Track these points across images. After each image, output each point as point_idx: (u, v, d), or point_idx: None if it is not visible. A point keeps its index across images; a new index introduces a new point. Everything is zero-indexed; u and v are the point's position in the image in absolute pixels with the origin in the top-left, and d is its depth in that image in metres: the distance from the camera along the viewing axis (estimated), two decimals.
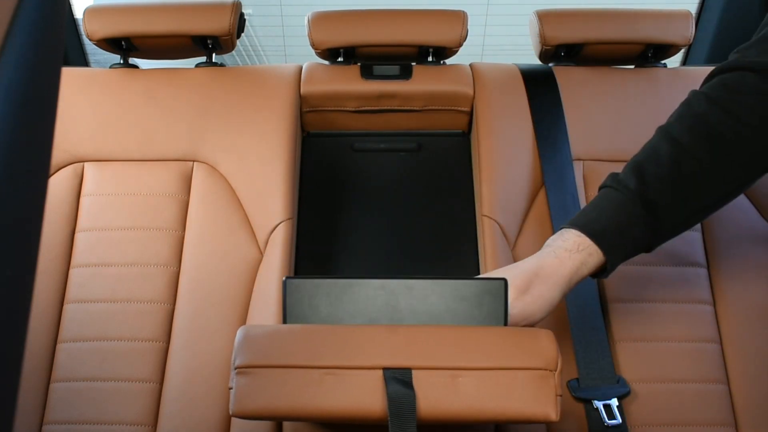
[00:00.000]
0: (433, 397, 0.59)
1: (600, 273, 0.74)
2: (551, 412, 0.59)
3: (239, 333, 0.61)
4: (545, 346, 0.61)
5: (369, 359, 0.59)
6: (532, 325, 0.71)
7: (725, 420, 0.84)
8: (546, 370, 0.60)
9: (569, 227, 0.73)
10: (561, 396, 0.60)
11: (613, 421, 0.81)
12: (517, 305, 0.69)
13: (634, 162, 0.75)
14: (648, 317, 0.89)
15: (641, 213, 0.72)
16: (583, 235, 0.72)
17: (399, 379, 0.59)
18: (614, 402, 0.82)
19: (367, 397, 0.58)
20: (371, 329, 0.62)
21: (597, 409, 0.82)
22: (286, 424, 0.81)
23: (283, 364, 0.59)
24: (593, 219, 0.73)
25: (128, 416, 0.85)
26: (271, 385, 0.59)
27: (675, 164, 0.73)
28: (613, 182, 0.75)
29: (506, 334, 0.62)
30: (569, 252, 0.71)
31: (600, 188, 0.77)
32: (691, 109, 0.76)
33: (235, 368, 0.59)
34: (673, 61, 1.12)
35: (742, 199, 0.96)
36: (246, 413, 0.59)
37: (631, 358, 0.87)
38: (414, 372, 0.59)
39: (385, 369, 0.59)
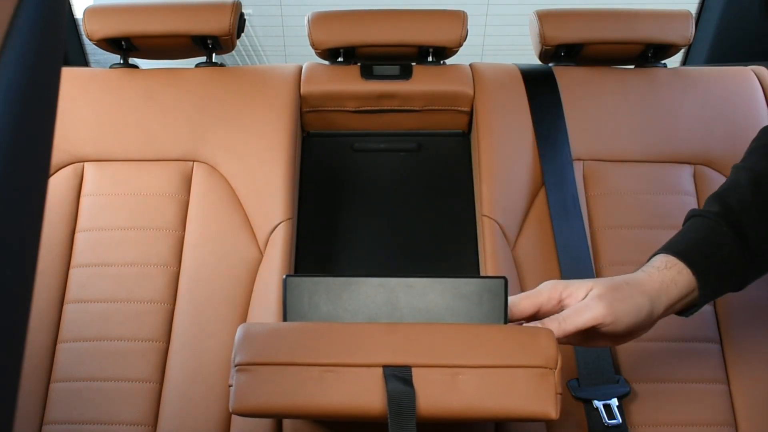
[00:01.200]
0: (433, 395, 0.58)
1: (694, 305, 0.69)
2: (551, 410, 0.59)
3: (239, 330, 0.61)
4: (545, 344, 0.60)
5: (368, 356, 0.59)
6: (617, 334, 0.66)
7: (725, 420, 0.84)
8: (546, 368, 0.60)
9: (656, 254, 0.71)
10: (561, 394, 0.60)
11: (613, 421, 0.81)
12: (605, 299, 0.64)
13: (715, 194, 0.73)
14: None
15: (728, 232, 0.69)
16: (669, 255, 0.69)
17: (399, 377, 0.59)
18: (614, 402, 0.82)
19: (366, 394, 0.58)
20: (371, 326, 0.62)
21: (597, 409, 0.82)
22: (285, 424, 0.81)
23: (283, 361, 0.59)
24: (677, 242, 0.71)
25: (128, 416, 0.85)
26: (271, 381, 0.58)
27: (755, 186, 0.71)
28: (695, 212, 0.73)
29: (506, 332, 0.62)
30: (657, 269, 0.68)
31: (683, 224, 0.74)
32: (761, 141, 0.76)
33: (235, 365, 0.59)
34: (673, 61, 1.12)
35: None
36: (246, 410, 0.59)
37: (631, 358, 0.87)
38: (414, 370, 0.59)
39: (385, 366, 0.59)
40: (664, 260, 0.69)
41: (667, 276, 0.68)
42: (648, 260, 0.71)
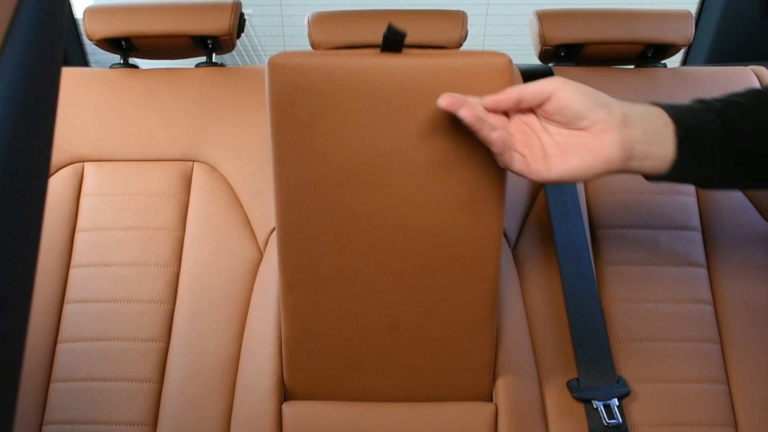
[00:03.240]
0: None
1: (664, 170, 0.62)
2: None
3: None
4: None
5: None
6: (569, 110, 0.61)
7: (725, 420, 0.84)
8: None
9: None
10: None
11: (613, 421, 0.81)
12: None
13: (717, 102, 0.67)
14: (648, 317, 0.89)
15: (715, 118, 0.63)
16: (660, 108, 0.63)
17: None
18: (614, 402, 0.83)
19: None
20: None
21: (597, 409, 0.82)
22: (286, 424, 0.81)
23: None
24: (668, 105, 0.64)
25: (128, 416, 0.85)
26: None
27: (750, 98, 0.65)
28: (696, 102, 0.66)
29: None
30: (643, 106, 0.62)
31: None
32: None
33: None
34: (673, 61, 1.12)
35: (742, 199, 0.96)
36: None
37: (631, 358, 0.87)
38: None
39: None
40: (655, 110, 0.63)
41: (650, 112, 0.63)
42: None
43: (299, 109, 0.67)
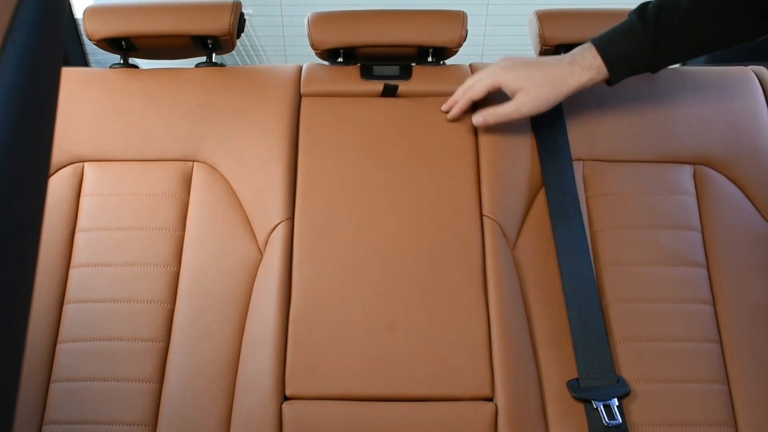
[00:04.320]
0: None
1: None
2: None
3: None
4: None
5: None
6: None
7: (725, 420, 0.84)
8: None
9: (592, 43, 0.89)
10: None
11: (613, 421, 0.81)
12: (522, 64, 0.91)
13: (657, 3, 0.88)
14: (648, 317, 0.89)
15: (650, 51, 0.86)
16: (599, 57, 0.88)
17: None
18: (614, 402, 0.83)
19: None
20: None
21: (597, 409, 0.82)
22: (286, 424, 0.81)
23: None
24: (612, 45, 0.88)
25: (128, 416, 0.85)
26: None
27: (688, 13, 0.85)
28: (637, 14, 0.88)
29: None
30: (583, 69, 0.88)
31: (629, 14, 0.89)
32: None
33: None
34: None
35: (742, 199, 0.96)
36: None
37: (631, 358, 0.87)
38: None
39: None
40: (592, 62, 0.88)
41: (587, 76, 0.89)
42: (585, 45, 0.90)
43: None
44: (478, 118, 0.95)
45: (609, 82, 0.90)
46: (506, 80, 0.90)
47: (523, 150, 0.98)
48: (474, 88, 0.93)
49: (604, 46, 0.88)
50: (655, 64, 0.89)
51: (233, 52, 1.11)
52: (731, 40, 0.87)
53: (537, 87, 0.88)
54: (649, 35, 0.86)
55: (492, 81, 0.91)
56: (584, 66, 0.88)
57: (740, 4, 0.84)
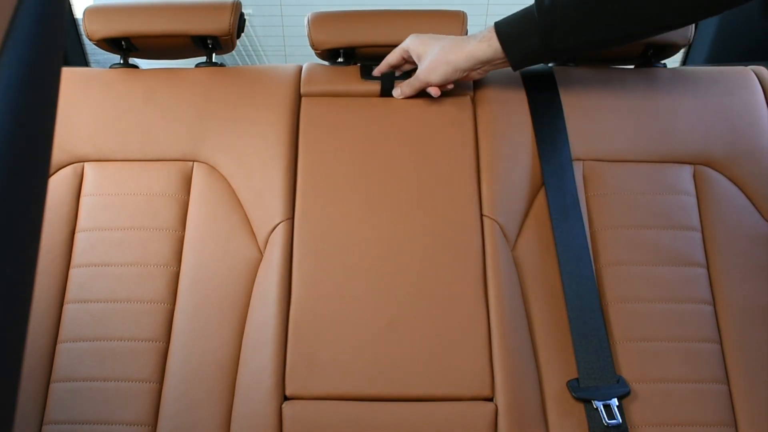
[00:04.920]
0: None
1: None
2: None
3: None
4: None
5: None
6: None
7: (725, 420, 0.84)
8: None
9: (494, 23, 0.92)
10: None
11: (613, 421, 0.81)
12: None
13: None
14: (648, 317, 0.89)
15: (541, 33, 0.87)
16: (494, 33, 0.91)
17: None
18: (614, 402, 0.83)
19: None
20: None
21: (597, 409, 0.82)
22: (286, 424, 0.82)
23: None
24: (508, 23, 0.91)
25: (128, 416, 0.85)
26: None
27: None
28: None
29: None
30: (478, 41, 0.92)
31: None
32: None
33: None
34: (673, 61, 1.12)
35: (742, 199, 0.96)
36: None
37: (631, 358, 0.87)
38: None
39: None
40: (488, 36, 0.92)
41: (481, 47, 0.92)
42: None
43: None
44: (397, 91, 1.01)
45: (513, 66, 0.92)
46: (414, 44, 0.97)
47: (523, 150, 0.98)
48: (390, 54, 1.01)
49: (501, 23, 0.91)
50: (551, 48, 0.88)
51: (233, 52, 1.11)
52: (628, 33, 0.86)
53: (438, 49, 0.94)
54: (542, 16, 0.87)
55: (403, 46, 0.99)
56: (479, 38, 0.92)
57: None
